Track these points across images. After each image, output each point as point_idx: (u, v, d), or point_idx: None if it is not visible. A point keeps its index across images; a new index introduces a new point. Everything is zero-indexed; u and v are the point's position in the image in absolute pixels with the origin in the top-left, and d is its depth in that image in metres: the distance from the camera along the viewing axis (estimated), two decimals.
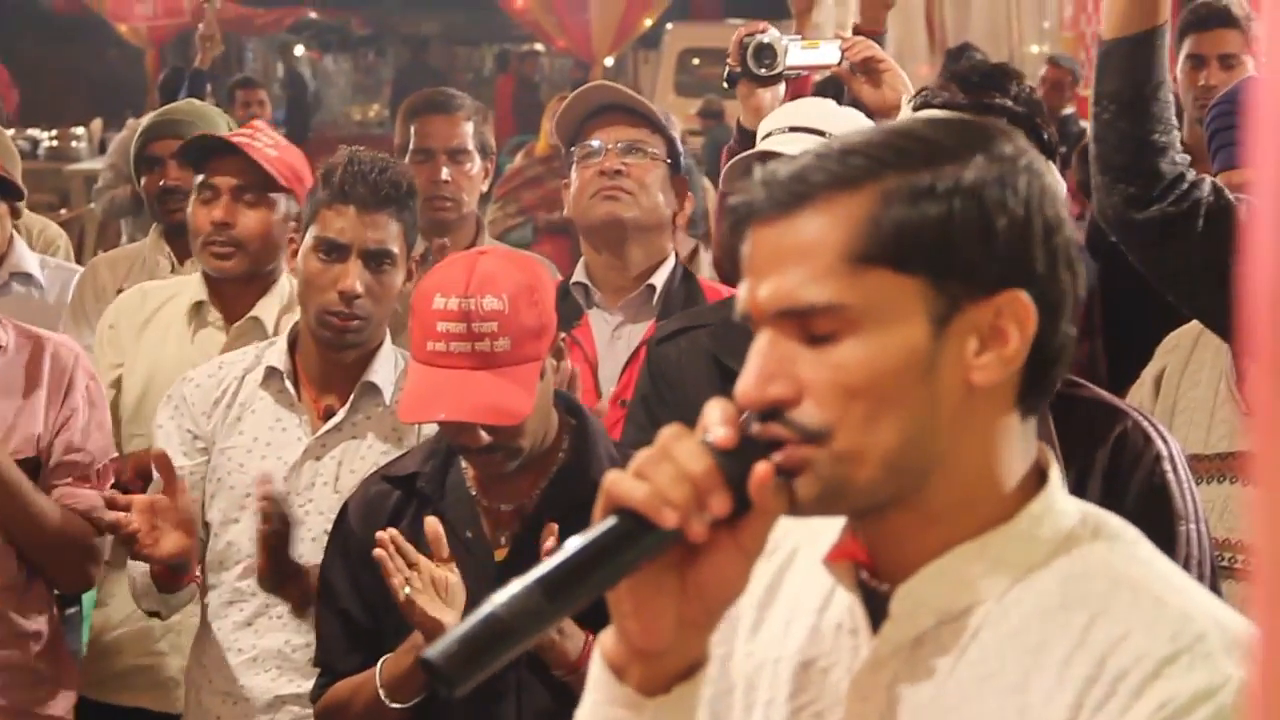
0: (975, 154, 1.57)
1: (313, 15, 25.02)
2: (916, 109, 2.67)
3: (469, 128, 4.88)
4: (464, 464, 3.19)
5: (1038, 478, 1.64)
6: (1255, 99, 0.88)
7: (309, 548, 3.49)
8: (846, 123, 3.39)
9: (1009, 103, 2.71)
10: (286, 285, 4.28)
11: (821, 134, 3.33)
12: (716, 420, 1.55)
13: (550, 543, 2.92)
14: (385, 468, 3.32)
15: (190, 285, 4.36)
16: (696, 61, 18.94)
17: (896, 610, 1.61)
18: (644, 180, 4.04)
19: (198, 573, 3.61)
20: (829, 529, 1.66)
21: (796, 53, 4.31)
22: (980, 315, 1.56)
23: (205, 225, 4.17)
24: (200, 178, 4.23)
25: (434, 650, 1.48)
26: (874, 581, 1.64)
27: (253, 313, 4.24)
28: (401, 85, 21.84)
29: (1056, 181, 1.61)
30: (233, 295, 4.26)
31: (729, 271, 4.29)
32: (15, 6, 22.36)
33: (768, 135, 3.51)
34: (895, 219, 1.54)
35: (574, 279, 4.13)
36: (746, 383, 1.57)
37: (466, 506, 3.17)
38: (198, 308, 4.28)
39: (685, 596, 1.55)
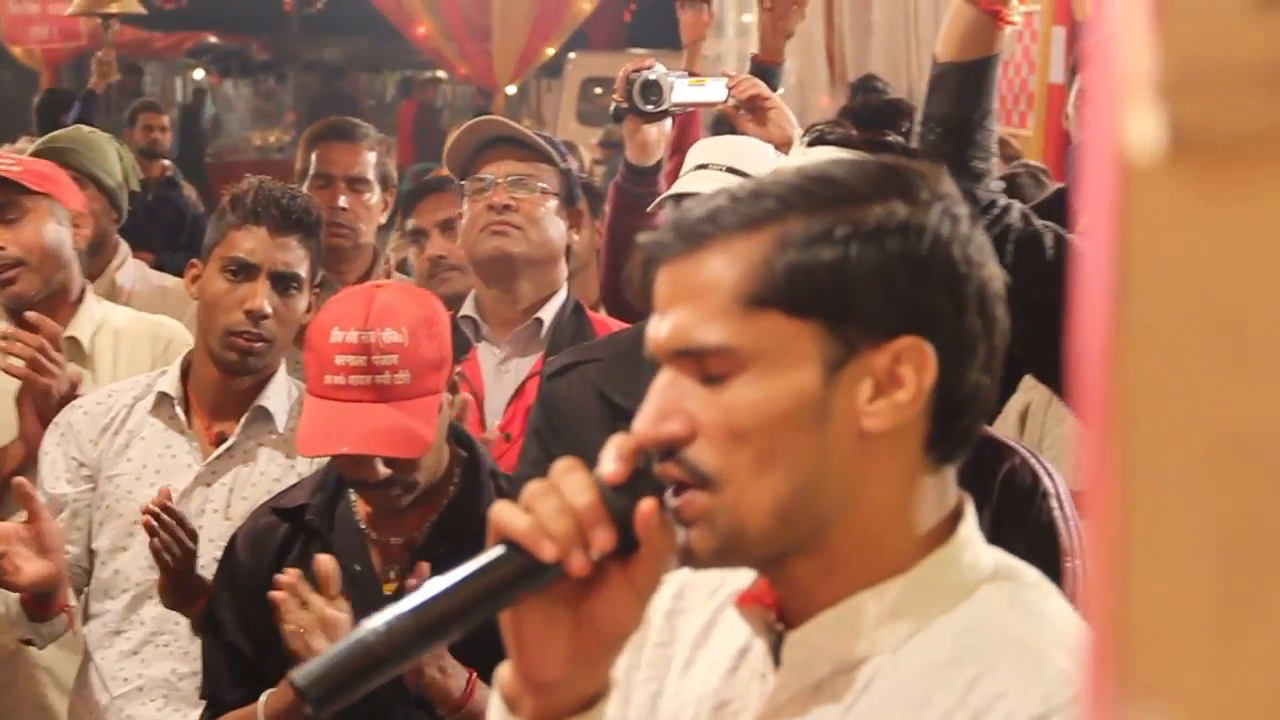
0: (887, 198, 1.55)
1: (213, 39, 24.87)
2: (810, 144, 2.69)
3: (370, 157, 4.85)
4: (354, 496, 3.17)
5: (950, 527, 1.61)
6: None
7: (200, 574, 3.42)
8: (762, 161, 3.38)
9: (901, 139, 2.72)
10: (96, 306, 4.25)
11: (740, 173, 3.31)
12: (610, 456, 1.55)
13: (413, 583, 2.89)
14: (274, 499, 3.30)
15: None
16: (599, 90, 18.93)
17: (789, 658, 1.60)
18: (533, 214, 4.02)
19: (70, 601, 3.53)
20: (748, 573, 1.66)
21: (683, 89, 4.31)
22: (876, 361, 1.54)
23: None
24: None
25: (301, 673, 1.48)
26: (781, 626, 1.63)
27: (67, 333, 4.15)
28: (303, 111, 21.78)
29: (974, 225, 1.59)
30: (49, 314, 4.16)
31: (612, 304, 4.27)
32: None
33: (701, 166, 3.50)
34: (787, 262, 1.53)
35: (462, 312, 4.12)
36: (644, 420, 1.57)
37: (355, 539, 3.15)
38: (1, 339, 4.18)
39: (578, 630, 1.55)
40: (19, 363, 3.87)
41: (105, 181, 4.93)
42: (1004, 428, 3.78)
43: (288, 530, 3.19)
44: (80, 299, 4.25)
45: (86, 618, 3.68)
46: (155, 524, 3.29)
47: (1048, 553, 2.54)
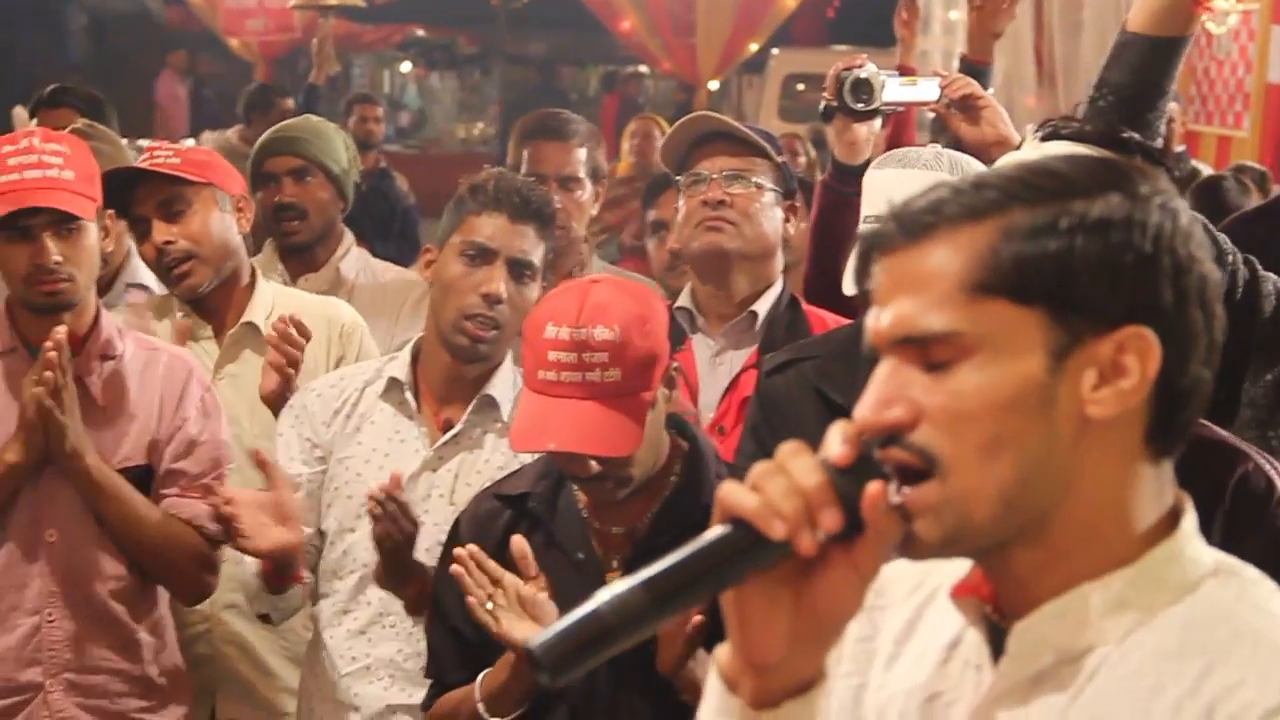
0: (1107, 191, 1.58)
1: (420, 33, 25.19)
2: (1044, 139, 2.65)
3: (581, 154, 4.87)
4: (575, 487, 3.20)
5: (1171, 522, 1.63)
6: None
7: (423, 558, 3.50)
8: None
9: (1136, 136, 2.69)
10: (268, 291, 4.33)
11: None
12: (836, 438, 1.56)
13: None
14: (497, 485, 3.33)
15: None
16: (801, 87, 18.90)
17: (1014, 648, 1.61)
18: (748, 210, 4.03)
19: (306, 575, 3.64)
20: (968, 566, 1.67)
21: (894, 89, 4.26)
22: (1101, 349, 1.56)
23: (152, 256, 4.20)
24: (126, 219, 4.23)
25: (536, 640, 1.51)
26: (997, 618, 1.65)
27: (245, 319, 4.26)
28: (510, 104, 21.96)
29: (1193, 222, 1.60)
30: (214, 309, 4.29)
31: (816, 300, 4.26)
32: (131, 20, 22.68)
33: (867, 219, 3.46)
34: (1014, 251, 1.55)
35: (678, 304, 4.14)
36: (865, 407, 1.59)
37: (578, 528, 3.17)
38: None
39: (798, 612, 1.56)
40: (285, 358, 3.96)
41: (333, 170, 4.98)
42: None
43: (510, 516, 3.21)
44: (252, 284, 4.33)
45: (316, 597, 3.75)
46: (380, 510, 3.36)
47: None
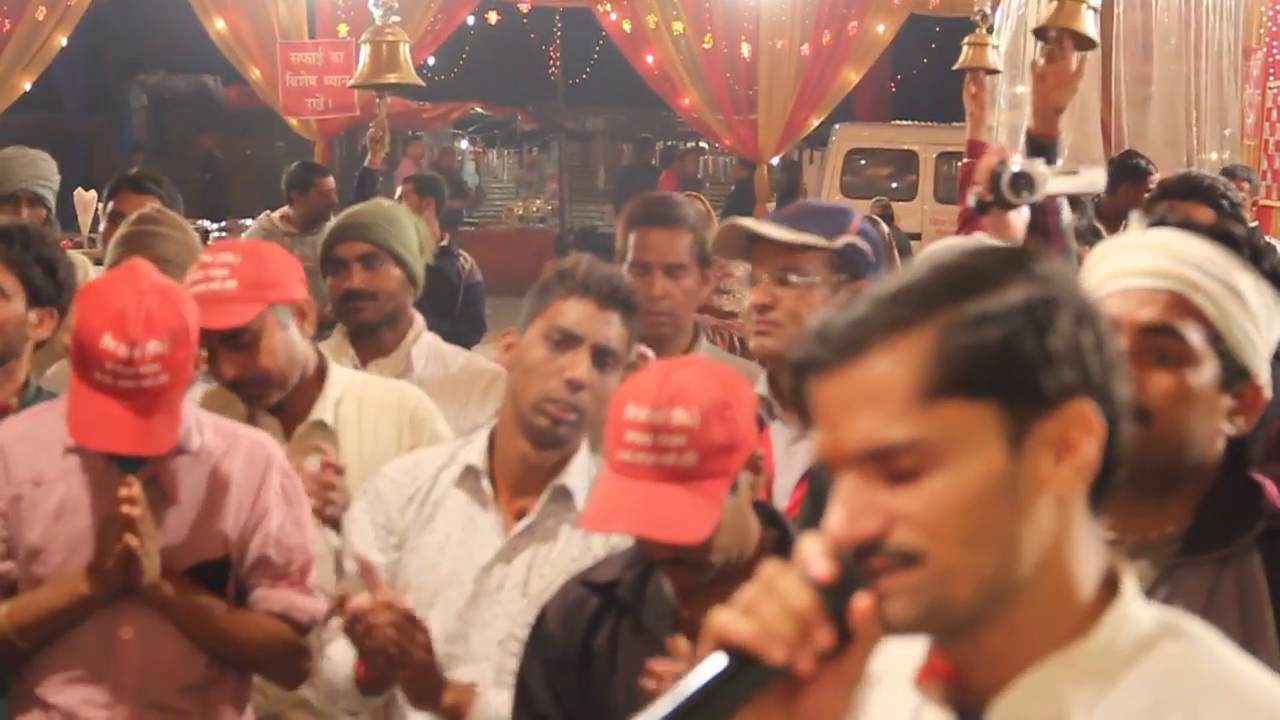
0: (1016, 277, 1.65)
1: (479, 110, 25.33)
2: (1151, 225, 2.65)
3: (688, 241, 4.80)
4: (664, 574, 3.16)
5: (1109, 584, 1.71)
6: None
7: (495, 650, 3.50)
8: None
9: (1244, 229, 2.65)
10: (338, 382, 4.31)
11: None
12: (815, 555, 1.63)
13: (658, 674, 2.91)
14: (585, 573, 3.29)
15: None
16: (863, 162, 18.93)
17: None
18: (796, 310, 3.92)
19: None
20: (910, 650, 1.73)
21: (1056, 181, 4.16)
22: (1050, 429, 1.64)
23: (223, 378, 4.13)
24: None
25: None
26: (961, 697, 1.71)
27: (312, 418, 4.25)
28: (566, 179, 22.03)
29: (1086, 291, 1.69)
30: (282, 405, 4.24)
31: None
32: (190, 100, 22.86)
33: None
34: (960, 347, 1.62)
35: (756, 390, 4.05)
36: (837, 522, 1.64)
37: (667, 616, 3.13)
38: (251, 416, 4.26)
39: None
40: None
41: (404, 257, 4.95)
42: None
43: (598, 604, 3.18)
44: (320, 376, 4.29)
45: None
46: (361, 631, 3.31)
47: None
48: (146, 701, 3.74)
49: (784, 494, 3.95)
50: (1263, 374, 2.55)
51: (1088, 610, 1.67)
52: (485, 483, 3.63)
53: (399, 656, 3.36)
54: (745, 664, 1.57)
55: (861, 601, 1.60)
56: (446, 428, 4.41)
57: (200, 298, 3.86)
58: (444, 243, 9.94)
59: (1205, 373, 2.55)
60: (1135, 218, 2.71)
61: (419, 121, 23.04)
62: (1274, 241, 3.23)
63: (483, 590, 3.58)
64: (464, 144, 25.69)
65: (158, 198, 6.24)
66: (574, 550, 3.57)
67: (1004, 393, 1.61)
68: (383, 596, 3.36)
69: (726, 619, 1.60)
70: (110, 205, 6.56)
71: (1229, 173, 9.88)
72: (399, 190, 10.29)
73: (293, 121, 15.15)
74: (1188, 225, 2.61)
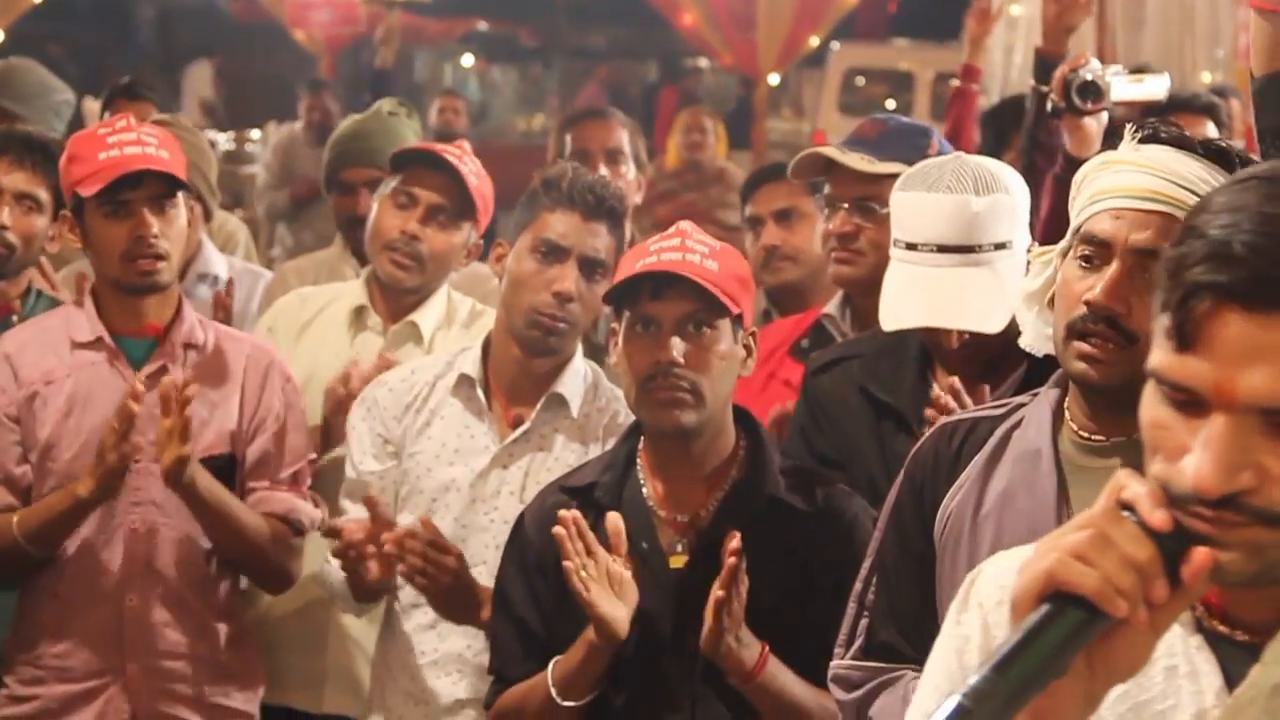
0: None
1: (482, 26, 25.24)
2: (1142, 141, 2.63)
3: (624, 134, 4.95)
4: (641, 476, 3.28)
5: None
6: None
7: (493, 555, 3.53)
8: (996, 223, 3.29)
9: (1237, 146, 2.66)
10: (444, 300, 4.32)
11: (972, 250, 3.28)
12: (1148, 500, 1.53)
13: (733, 545, 2.99)
14: (563, 479, 3.39)
15: (349, 290, 4.40)
16: (861, 81, 18.91)
17: (1269, 656, 1.62)
18: (878, 239, 3.80)
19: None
20: None
21: (1122, 87, 4.31)
22: None
23: (393, 231, 4.17)
24: (398, 179, 4.20)
25: None
26: (1223, 628, 1.67)
27: (411, 317, 4.26)
28: (567, 97, 22.00)
29: None
30: (393, 301, 4.29)
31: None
32: (197, 13, 22.82)
33: (911, 246, 3.36)
34: None
35: (826, 311, 4.17)
36: (1207, 470, 1.54)
37: (643, 517, 3.24)
38: (358, 312, 4.32)
39: (1092, 673, 1.54)
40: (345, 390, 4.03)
41: None
42: None
43: (576, 508, 3.25)
44: (435, 290, 4.32)
45: (391, 589, 3.76)
46: (407, 558, 3.43)
47: None
48: (151, 591, 3.82)
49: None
50: None
51: None
52: (480, 391, 3.68)
53: (426, 587, 3.46)
54: (1085, 613, 1.49)
55: (1200, 556, 1.50)
56: None
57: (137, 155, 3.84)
58: None
59: None
60: (1127, 130, 2.68)
61: (422, 37, 22.98)
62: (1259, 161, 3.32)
63: (479, 496, 3.63)
64: (467, 60, 25.62)
65: (152, 103, 6.18)
66: (570, 458, 3.62)
67: None
68: (379, 527, 3.46)
69: (1068, 566, 1.49)
70: (107, 115, 6.57)
71: (1218, 92, 9.95)
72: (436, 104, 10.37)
73: (299, 35, 15.19)
74: (1180, 141, 2.60)
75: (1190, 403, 1.56)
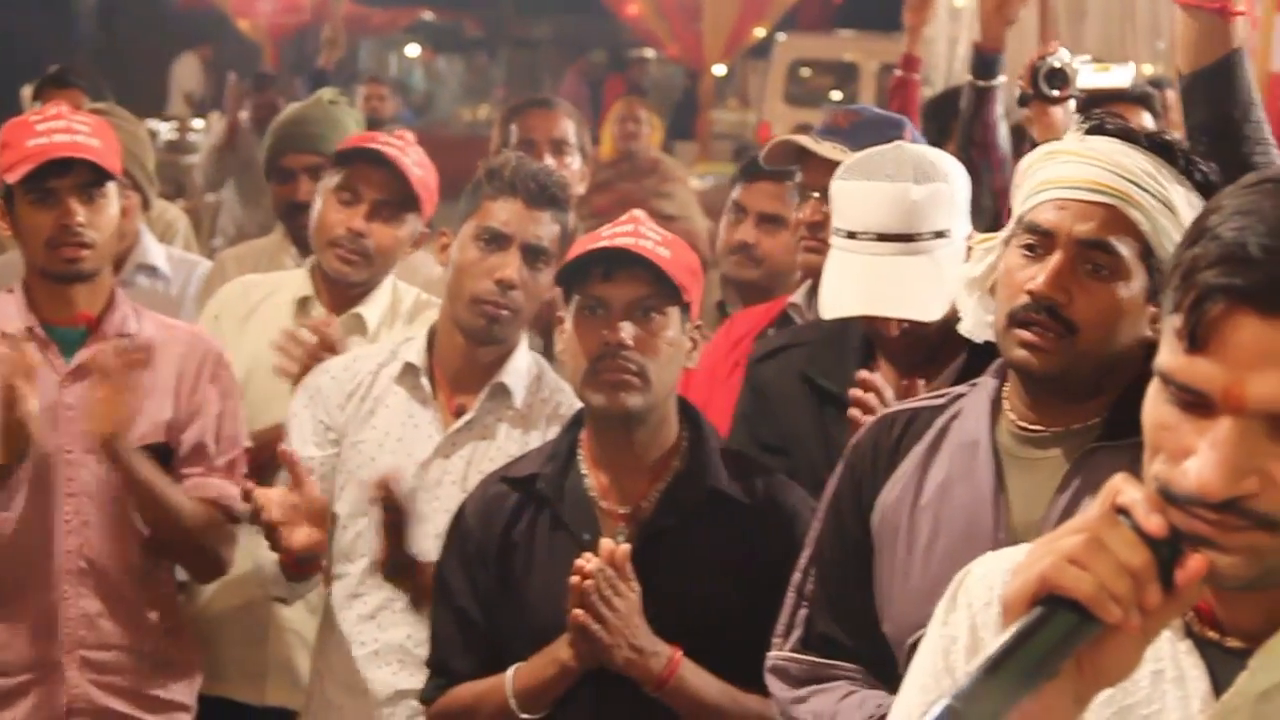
0: None
1: (427, 16, 25.22)
2: (1089, 133, 2.65)
3: (569, 125, 4.95)
4: (583, 467, 3.27)
5: None
6: None
7: (434, 544, 3.52)
8: (935, 213, 3.30)
9: (1182, 142, 2.69)
10: (389, 292, 4.31)
11: (910, 239, 3.28)
12: (1143, 506, 1.53)
13: (585, 568, 3.04)
14: (504, 469, 3.38)
15: (294, 279, 4.38)
16: (806, 72, 18.96)
17: (1257, 663, 1.62)
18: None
19: (325, 563, 3.68)
20: None
21: (1088, 75, 4.37)
22: None
23: (339, 228, 4.16)
24: (341, 175, 4.19)
25: None
26: (1212, 634, 1.67)
27: (356, 310, 4.25)
28: (513, 87, 21.99)
29: None
30: (338, 292, 4.28)
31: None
32: (140, 1, 22.69)
33: (851, 235, 3.36)
34: None
35: (792, 300, 4.15)
36: (1212, 472, 1.53)
37: (585, 509, 3.24)
38: (303, 302, 4.30)
39: (1081, 677, 1.54)
40: (291, 366, 4.01)
41: None
42: None
43: (517, 499, 3.27)
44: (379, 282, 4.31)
45: (329, 580, 3.77)
46: (384, 499, 3.44)
47: None
48: (88, 663, 3.79)
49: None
50: None
51: None
52: (424, 380, 3.68)
53: (390, 521, 3.47)
54: (1078, 617, 1.49)
55: (1195, 562, 1.50)
56: None
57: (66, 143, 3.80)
58: None
59: (1134, 285, 2.58)
60: (1074, 121, 2.70)
61: (368, 27, 22.95)
62: None
63: (422, 485, 3.62)
64: (412, 49, 25.61)
65: (81, 90, 6.16)
66: (513, 447, 3.61)
67: None
68: (297, 491, 3.45)
69: (1062, 570, 1.49)
70: (38, 104, 6.49)
71: (1155, 84, 10.00)
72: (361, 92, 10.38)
73: (242, 23, 15.14)
74: (1126, 134, 2.62)
75: (1197, 404, 1.56)
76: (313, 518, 3.47)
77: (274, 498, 3.47)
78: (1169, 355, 1.58)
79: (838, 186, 3.41)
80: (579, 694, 3.17)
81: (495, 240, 3.58)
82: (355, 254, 4.18)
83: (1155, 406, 1.60)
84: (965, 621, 1.81)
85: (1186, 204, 2.54)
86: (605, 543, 3.07)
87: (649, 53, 21.87)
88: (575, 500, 3.24)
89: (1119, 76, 4.40)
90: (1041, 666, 1.50)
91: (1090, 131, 2.65)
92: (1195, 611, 1.66)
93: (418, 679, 3.55)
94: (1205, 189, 2.55)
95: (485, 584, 3.26)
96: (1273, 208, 1.55)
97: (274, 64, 14.85)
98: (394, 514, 3.47)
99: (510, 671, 3.18)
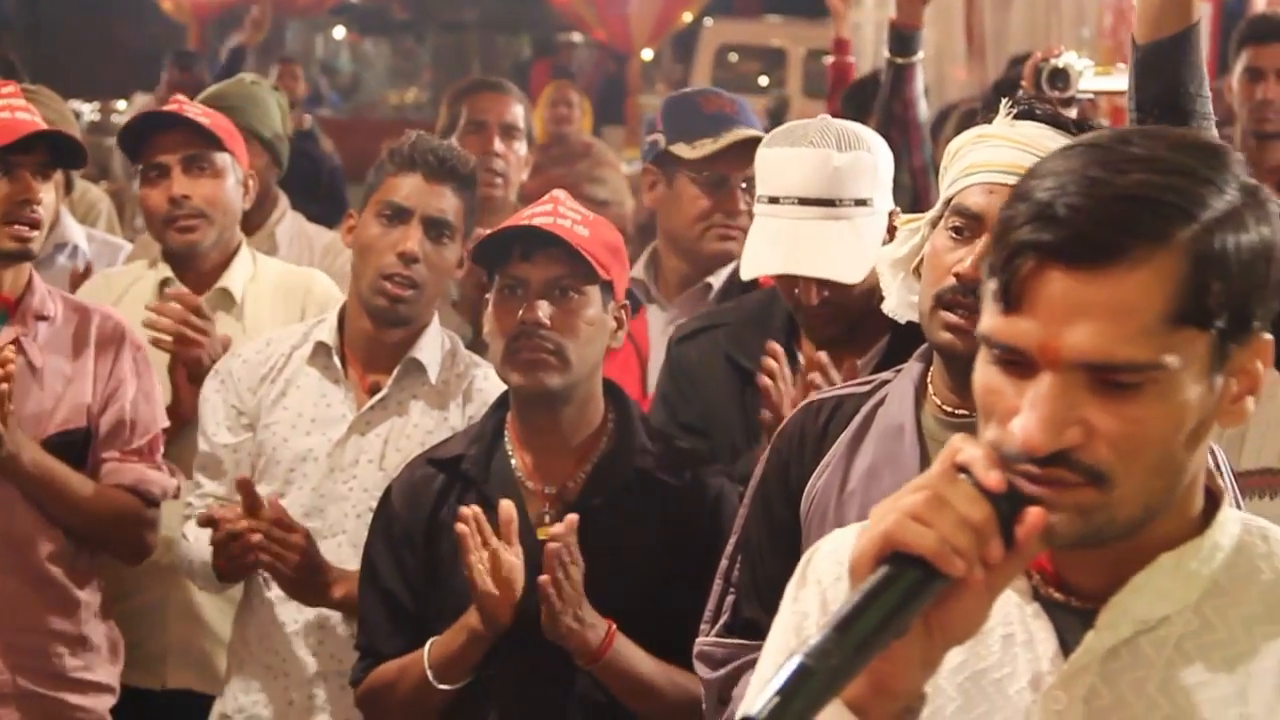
0: (1234, 186, 1.60)
1: None
2: (1017, 118, 2.64)
3: (520, 109, 4.95)
4: (509, 448, 3.27)
5: (1214, 488, 1.71)
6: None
7: (354, 524, 3.54)
8: (857, 180, 3.33)
9: (1108, 126, 2.71)
10: (249, 259, 4.32)
11: (832, 204, 3.31)
12: (982, 462, 1.56)
13: (556, 530, 3.06)
14: (430, 451, 3.38)
15: (150, 268, 4.36)
16: (734, 57, 19.00)
17: (1102, 621, 1.65)
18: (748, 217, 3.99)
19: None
20: None
21: (1090, 77, 4.45)
22: (1239, 360, 1.61)
23: (162, 205, 4.15)
24: (141, 162, 4.21)
25: (755, 707, 1.49)
26: (1058, 596, 1.70)
27: (219, 284, 4.24)
28: (440, 70, 21.92)
29: None
30: (194, 268, 4.26)
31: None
32: None
33: (773, 200, 3.39)
34: (1206, 277, 1.56)
35: (633, 274, 4.14)
36: (1034, 427, 1.56)
37: (511, 489, 3.23)
38: (164, 284, 4.25)
39: (929, 635, 1.57)
40: (165, 337, 3.99)
41: (266, 136, 4.95)
42: None
43: (444, 480, 3.27)
44: (235, 252, 4.33)
45: None
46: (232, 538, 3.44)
47: None
48: (9, 567, 3.76)
49: (656, 373, 3.99)
50: None
51: (1198, 516, 1.67)
52: (336, 359, 3.67)
53: (272, 566, 3.45)
54: (924, 573, 1.52)
55: (1033, 515, 1.54)
56: None
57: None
58: (307, 126, 9.99)
59: None
60: (1002, 105, 2.67)
61: (294, 9, 22.82)
62: None
63: (338, 464, 3.61)
64: (338, 31, 25.51)
65: None
66: (429, 424, 3.62)
67: (1227, 324, 1.57)
68: (259, 512, 3.44)
69: (905, 527, 1.52)
70: None
71: None
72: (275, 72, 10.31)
73: (166, 4, 15.04)
74: (1054, 119, 2.62)
75: (1018, 364, 1.59)
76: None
77: (233, 518, 3.46)
78: (988, 318, 1.62)
79: (762, 154, 3.44)
80: (506, 670, 3.17)
81: (396, 215, 3.59)
82: (189, 218, 4.18)
83: (982, 372, 1.63)
84: (816, 598, 1.82)
85: None
86: (571, 517, 3.07)
87: (576, 37, 21.85)
88: (501, 480, 3.24)
89: (1119, 79, 4.49)
90: (890, 623, 1.52)
91: (1019, 116, 2.64)
92: (1042, 575, 1.69)
93: (339, 658, 3.56)
94: None
95: (413, 565, 3.26)
96: (1082, 167, 1.58)
97: (198, 45, 14.75)
98: (278, 540, 3.45)
99: (427, 645, 3.19)
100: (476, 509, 3.09)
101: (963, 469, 1.56)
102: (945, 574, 1.52)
